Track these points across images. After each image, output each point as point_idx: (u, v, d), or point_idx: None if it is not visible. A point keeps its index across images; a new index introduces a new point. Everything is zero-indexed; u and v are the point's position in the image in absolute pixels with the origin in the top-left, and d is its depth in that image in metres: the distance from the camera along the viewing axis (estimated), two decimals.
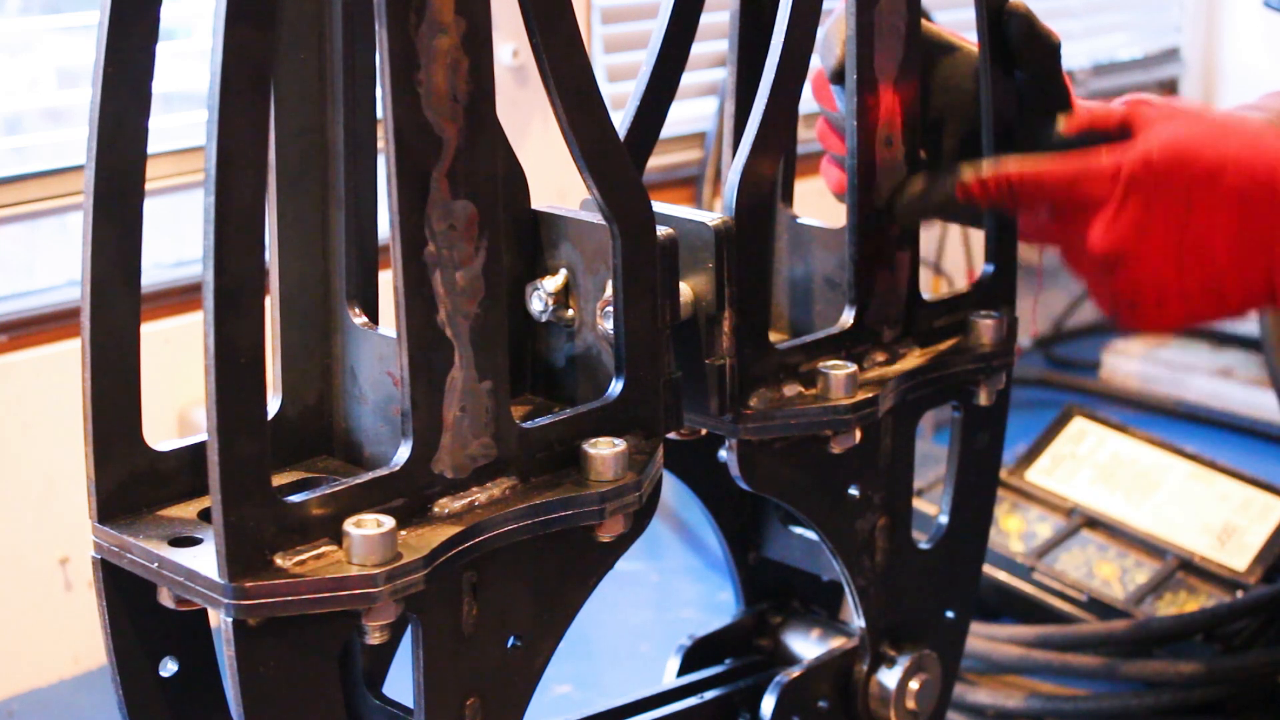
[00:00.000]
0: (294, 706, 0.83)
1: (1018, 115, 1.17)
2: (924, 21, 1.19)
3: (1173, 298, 1.12)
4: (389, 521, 0.83)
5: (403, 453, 0.86)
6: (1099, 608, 1.82)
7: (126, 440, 0.88)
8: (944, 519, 1.19)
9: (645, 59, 1.09)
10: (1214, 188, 1.10)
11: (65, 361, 1.85)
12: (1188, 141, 1.11)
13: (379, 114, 0.88)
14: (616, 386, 0.95)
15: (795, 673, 1.14)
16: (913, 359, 1.11)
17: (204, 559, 0.82)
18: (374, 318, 0.93)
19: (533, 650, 0.93)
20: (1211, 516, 1.93)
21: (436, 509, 0.87)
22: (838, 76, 1.09)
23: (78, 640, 1.90)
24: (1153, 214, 1.10)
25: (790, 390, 1.05)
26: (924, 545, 1.18)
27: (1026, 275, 1.22)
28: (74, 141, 2.00)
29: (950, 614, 1.21)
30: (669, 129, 1.12)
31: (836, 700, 1.16)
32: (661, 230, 0.95)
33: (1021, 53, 1.15)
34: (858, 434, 1.06)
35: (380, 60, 0.82)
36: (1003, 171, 1.10)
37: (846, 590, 1.14)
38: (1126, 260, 1.11)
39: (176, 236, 2.03)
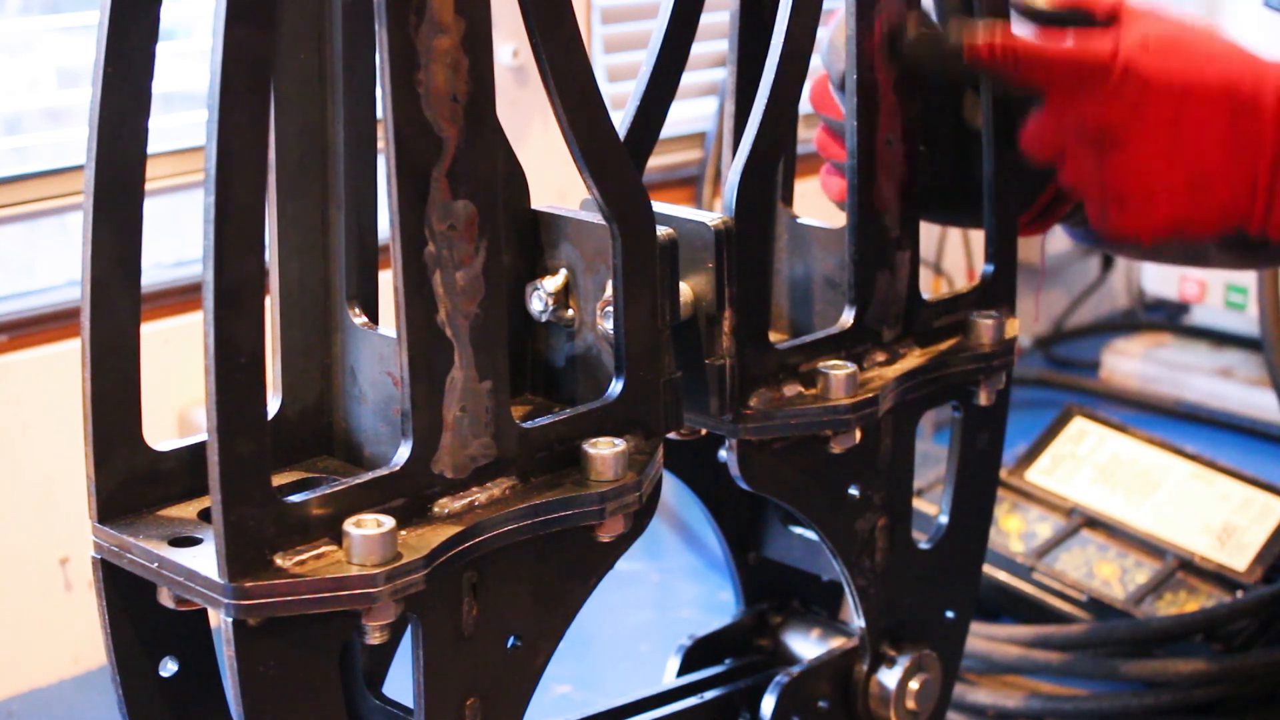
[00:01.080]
0: (294, 706, 0.83)
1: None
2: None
3: (1160, 191, 1.12)
4: (389, 521, 0.83)
5: (403, 453, 0.86)
6: (1099, 608, 1.82)
7: (126, 440, 0.88)
8: (944, 519, 1.19)
9: (645, 59, 1.09)
10: (1208, 76, 1.11)
11: (65, 361, 1.85)
12: (1179, 33, 1.13)
13: (379, 114, 0.88)
14: (616, 386, 0.95)
15: (795, 673, 1.14)
16: (913, 359, 1.11)
17: (204, 559, 0.82)
18: (374, 318, 0.93)
19: (533, 650, 0.93)
20: (1211, 516, 1.93)
21: (436, 509, 0.87)
22: (844, 83, 1.09)
23: (78, 640, 1.90)
24: (1148, 96, 1.10)
25: (790, 390, 1.05)
26: (924, 545, 1.18)
27: (1027, 275, 1.22)
28: (74, 141, 2.00)
29: (950, 614, 1.21)
30: (669, 129, 1.12)
31: (836, 700, 1.16)
32: (661, 230, 0.95)
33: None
34: (858, 434, 1.06)
35: (380, 60, 0.82)
36: (1010, 41, 1.10)
37: (846, 590, 1.14)
38: (1121, 142, 1.11)
39: (176, 236, 2.03)
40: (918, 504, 1.18)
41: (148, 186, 0.87)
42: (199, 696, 0.92)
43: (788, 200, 1.17)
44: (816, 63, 1.10)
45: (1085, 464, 2.02)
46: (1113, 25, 1.14)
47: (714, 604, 1.97)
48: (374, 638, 0.84)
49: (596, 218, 0.95)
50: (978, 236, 2.34)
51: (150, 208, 0.88)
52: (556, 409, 0.96)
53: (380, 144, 0.89)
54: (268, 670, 0.82)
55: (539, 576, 0.92)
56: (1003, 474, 1.92)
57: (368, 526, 0.82)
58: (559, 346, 0.99)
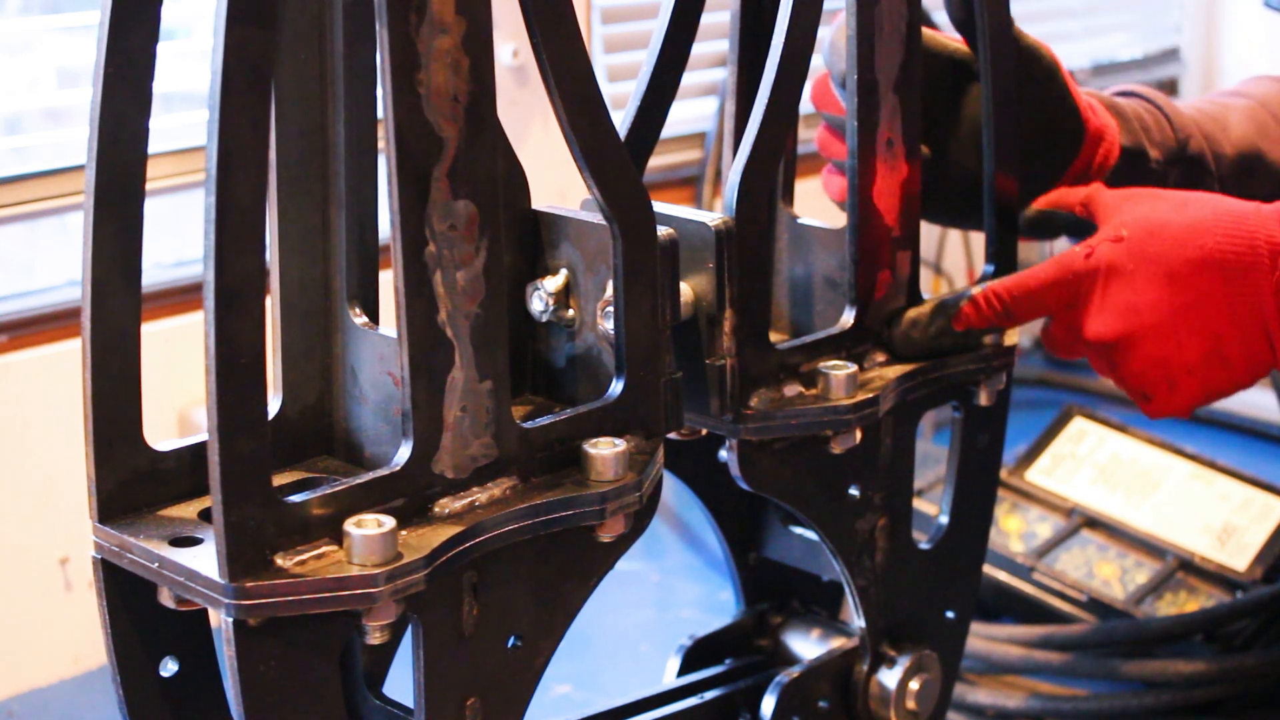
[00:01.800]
0: (294, 706, 0.83)
1: (1030, 140, 1.18)
2: (945, 37, 1.19)
3: (1181, 375, 1.12)
4: (389, 521, 0.83)
5: (403, 453, 0.86)
6: (1099, 608, 1.82)
7: (127, 440, 0.88)
8: (944, 519, 1.19)
9: (645, 59, 1.09)
10: (1190, 252, 1.10)
11: (65, 361, 1.85)
12: (1152, 214, 1.12)
13: (379, 114, 0.88)
14: (617, 386, 0.95)
15: (795, 673, 1.14)
16: None
17: (204, 559, 0.82)
18: (374, 318, 0.93)
19: (533, 650, 0.93)
20: (1211, 516, 1.93)
21: (437, 509, 0.87)
22: (845, 82, 1.09)
23: (78, 640, 1.90)
24: (1138, 291, 1.10)
25: (791, 390, 1.05)
26: (924, 545, 1.18)
27: None
28: (74, 141, 2.00)
29: (950, 614, 1.21)
30: (669, 129, 1.12)
31: (837, 700, 1.16)
32: (662, 230, 0.95)
33: (1021, 77, 1.16)
34: (858, 434, 1.06)
35: (381, 60, 0.82)
36: (990, 291, 1.12)
37: (846, 590, 1.14)
38: (1126, 345, 1.12)
39: (176, 236, 2.03)
40: (918, 504, 1.18)
41: (148, 186, 0.87)
42: (199, 696, 0.92)
43: (788, 200, 1.17)
44: (818, 61, 1.10)
45: (1085, 464, 2.02)
46: (1090, 218, 1.15)
47: (714, 604, 1.97)
48: (374, 638, 0.84)
49: (597, 218, 0.95)
50: (978, 236, 2.34)
51: (150, 208, 0.88)
52: (557, 409, 0.96)
53: (380, 144, 0.89)
54: (268, 670, 0.82)
55: (539, 576, 0.92)
56: (1003, 474, 1.92)
57: (368, 526, 0.82)
58: (559, 346, 0.99)
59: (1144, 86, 1.33)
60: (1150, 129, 1.28)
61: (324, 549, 0.83)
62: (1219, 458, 2.03)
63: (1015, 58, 1.15)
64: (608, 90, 2.31)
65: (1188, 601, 1.83)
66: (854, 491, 1.10)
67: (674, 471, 1.16)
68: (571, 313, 0.98)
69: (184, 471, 0.90)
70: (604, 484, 0.92)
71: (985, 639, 1.75)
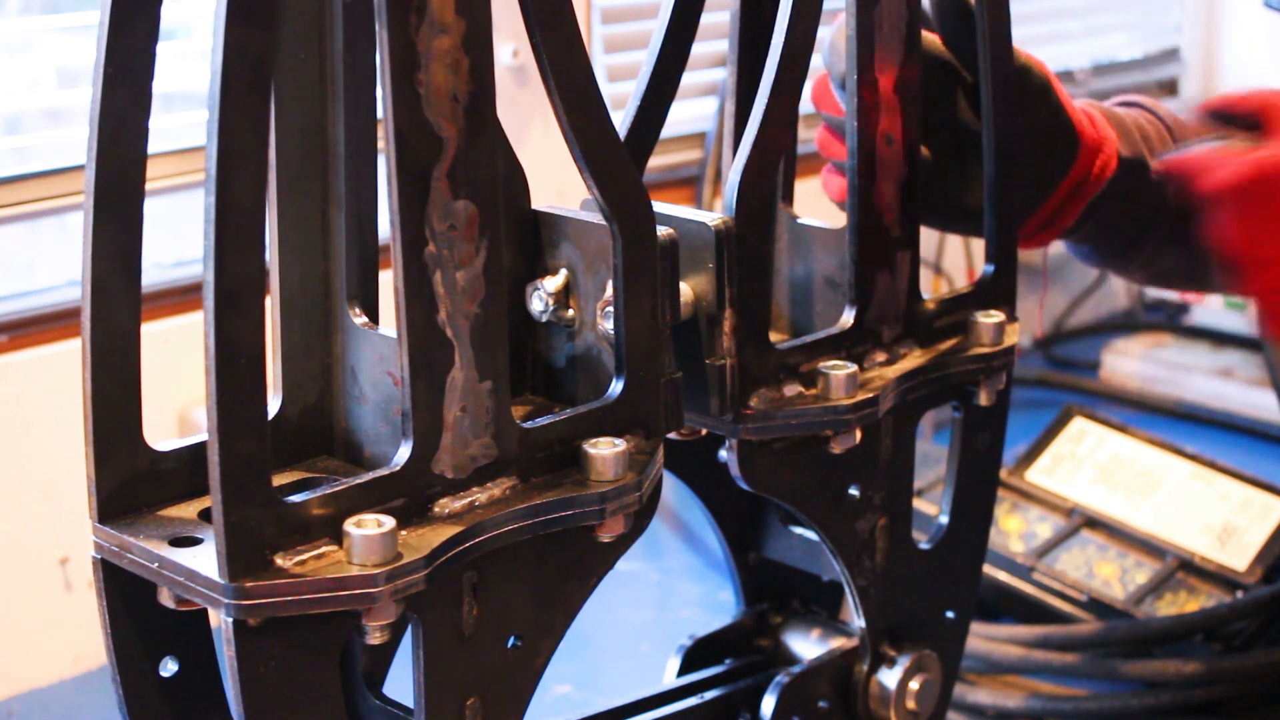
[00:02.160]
0: (294, 706, 0.83)
1: (1025, 153, 1.17)
2: (942, 41, 1.19)
3: None
4: (389, 521, 0.83)
5: (403, 453, 0.86)
6: (1099, 608, 1.82)
7: (126, 440, 0.88)
8: (944, 519, 1.19)
9: (645, 59, 1.09)
10: None
11: (65, 361, 1.85)
12: None
13: (379, 114, 0.88)
14: (617, 386, 0.95)
15: (795, 673, 1.14)
16: (913, 359, 1.11)
17: (204, 559, 0.82)
18: (374, 318, 0.93)
19: (533, 650, 0.93)
20: (1211, 516, 1.93)
21: (437, 509, 0.87)
22: (845, 83, 1.09)
23: (78, 640, 1.90)
24: None
25: (790, 390, 1.05)
26: (924, 545, 1.18)
27: (1029, 276, 1.22)
28: (74, 141, 2.00)
29: (950, 614, 1.21)
30: (669, 129, 1.12)
31: (837, 700, 1.16)
32: (662, 230, 0.95)
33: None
34: (858, 434, 1.06)
35: (380, 60, 0.82)
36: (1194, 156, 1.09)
37: (846, 590, 1.14)
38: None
39: (177, 236, 2.03)
40: (918, 504, 1.18)
41: (148, 186, 0.87)
42: (199, 696, 0.92)
43: (788, 200, 1.17)
44: (818, 61, 1.10)
45: (1085, 464, 2.02)
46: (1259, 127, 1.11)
47: (714, 604, 1.97)
48: (374, 638, 0.84)
49: (597, 218, 0.95)
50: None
51: (150, 208, 0.88)
52: (557, 409, 0.96)
53: (380, 144, 0.89)
54: (268, 670, 0.82)
55: (539, 576, 0.92)
56: (1003, 474, 1.92)
57: (368, 526, 0.82)
58: (559, 346, 0.99)
59: (1146, 97, 1.33)
60: (1151, 139, 1.28)
61: (324, 549, 0.83)
62: (1219, 458, 2.03)
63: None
64: (608, 90, 2.31)
65: (1188, 601, 1.83)
66: (854, 491, 1.10)
67: (674, 471, 1.16)
68: (571, 313, 0.98)
69: (184, 471, 0.90)
70: (604, 484, 0.92)
71: (985, 639, 1.75)
